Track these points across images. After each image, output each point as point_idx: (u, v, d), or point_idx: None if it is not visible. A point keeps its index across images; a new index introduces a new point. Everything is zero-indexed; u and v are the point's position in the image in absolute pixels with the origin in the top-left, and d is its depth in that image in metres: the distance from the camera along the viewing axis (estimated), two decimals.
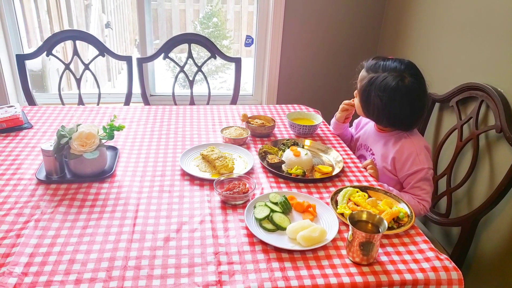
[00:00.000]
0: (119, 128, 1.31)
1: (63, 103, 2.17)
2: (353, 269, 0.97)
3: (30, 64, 3.08)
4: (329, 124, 1.79)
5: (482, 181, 1.63)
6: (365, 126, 1.64)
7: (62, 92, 2.21)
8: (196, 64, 2.17)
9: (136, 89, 2.22)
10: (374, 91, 1.37)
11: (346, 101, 1.63)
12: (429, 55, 2.01)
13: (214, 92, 3.46)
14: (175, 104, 2.20)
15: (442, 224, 1.70)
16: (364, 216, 1.01)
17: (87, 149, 1.25)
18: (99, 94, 2.19)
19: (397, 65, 1.38)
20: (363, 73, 1.46)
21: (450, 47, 1.85)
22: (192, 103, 2.24)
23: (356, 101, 1.51)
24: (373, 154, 1.52)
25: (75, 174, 1.31)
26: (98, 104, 2.19)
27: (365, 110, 1.46)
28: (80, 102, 2.19)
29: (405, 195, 1.42)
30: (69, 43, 2.21)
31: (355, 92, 1.51)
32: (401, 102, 1.36)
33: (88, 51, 4.01)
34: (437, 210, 1.77)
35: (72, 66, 2.19)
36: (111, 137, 1.32)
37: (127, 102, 2.19)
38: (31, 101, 2.14)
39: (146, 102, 2.23)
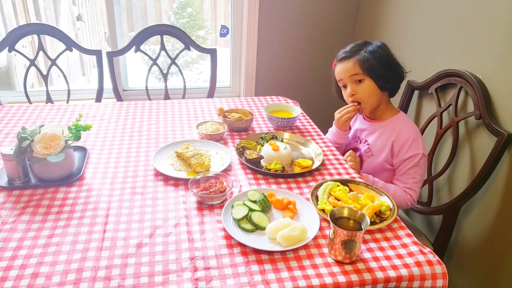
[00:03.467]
0: (86, 128, 1.23)
1: (30, 102, 2.06)
2: (335, 268, 0.93)
3: None
4: (308, 115, 1.74)
5: (463, 168, 1.62)
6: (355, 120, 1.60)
7: (32, 89, 2.10)
8: (169, 57, 2.09)
9: (108, 84, 2.13)
10: (374, 56, 1.38)
11: (346, 110, 1.46)
12: (407, 42, 1.98)
13: (190, 84, 3.37)
14: (149, 99, 2.11)
15: (423, 213, 1.69)
16: (346, 213, 0.97)
17: (51, 151, 1.17)
18: (69, 91, 2.09)
19: (357, 43, 1.47)
20: (347, 65, 1.41)
21: (428, 34, 1.82)
22: (166, 97, 2.16)
23: (363, 88, 1.41)
24: (369, 145, 1.49)
25: (40, 178, 1.23)
26: (67, 102, 2.09)
27: (381, 80, 1.39)
28: (49, 99, 2.09)
29: (391, 187, 1.40)
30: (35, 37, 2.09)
31: (349, 92, 1.43)
32: (390, 50, 1.45)
33: (59, 45, 3.85)
34: (419, 199, 1.75)
35: (42, 62, 2.07)
36: (77, 137, 1.24)
37: (99, 98, 2.09)
38: None
39: (119, 97, 2.14)
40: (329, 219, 0.93)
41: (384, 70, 1.38)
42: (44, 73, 2.07)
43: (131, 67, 2.68)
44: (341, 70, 1.43)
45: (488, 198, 1.50)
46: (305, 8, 2.38)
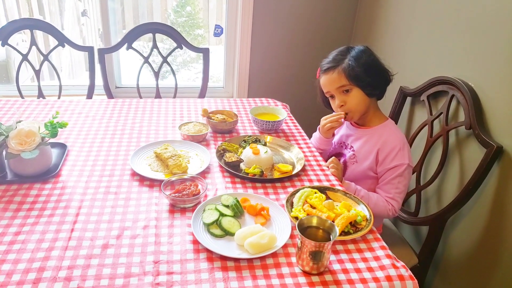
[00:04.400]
0: (62, 125, 1.22)
1: (22, 96, 2.06)
2: (301, 279, 0.90)
3: None
4: (300, 118, 1.72)
5: (452, 179, 1.57)
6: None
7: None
8: (161, 55, 2.07)
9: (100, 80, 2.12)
10: (359, 63, 1.33)
11: (330, 119, 1.43)
12: (402, 47, 1.95)
13: (188, 83, 3.36)
14: (140, 97, 2.10)
15: (410, 223, 1.65)
16: (315, 222, 0.94)
17: (26, 148, 1.15)
18: (60, 86, 2.08)
19: (339, 50, 1.42)
20: (332, 76, 1.36)
21: (422, 40, 1.78)
22: (158, 95, 2.14)
23: (351, 97, 1.37)
24: (354, 151, 1.46)
25: (16, 174, 1.21)
26: (59, 97, 2.08)
27: (369, 87, 1.35)
28: (40, 94, 2.08)
29: (373, 195, 1.36)
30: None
31: (337, 104, 1.39)
32: (374, 54, 1.40)
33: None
34: (406, 209, 1.71)
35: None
36: (54, 134, 1.22)
37: (90, 95, 2.08)
38: None
39: (109, 94, 2.13)
40: (297, 228, 0.91)
41: (371, 78, 1.34)
42: (37, 68, 2.07)
43: (129, 64, 2.67)
44: (326, 81, 1.39)
45: (475, 211, 1.46)
46: (301, 10, 2.35)
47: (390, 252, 1.00)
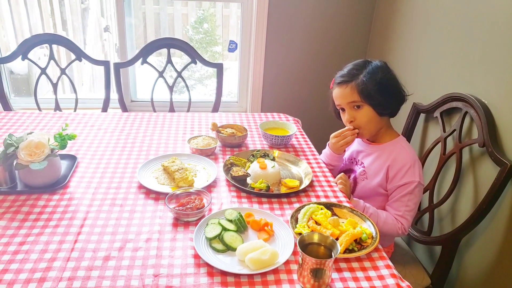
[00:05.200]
0: (71, 137, 1.24)
1: (39, 108, 2.12)
2: None
3: (15, 68, 3.05)
4: (306, 133, 1.70)
5: (466, 198, 1.52)
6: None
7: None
8: (175, 70, 2.10)
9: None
10: (373, 81, 1.30)
11: (343, 134, 1.40)
12: (414, 64, 1.92)
13: (204, 98, 3.40)
14: (154, 110, 2.13)
15: (422, 243, 1.59)
16: (316, 238, 0.92)
17: (35, 159, 1.17)
18: (76, 100, 2.13)
19: (356, 63, 1.39)
20: (345, 90, 1.34)
21: (435, 56, 1.75)
22: (171, 109, 2.16)
23: (361, 114, 1.35)
24: (364, 167, 1.43)
25: (26, 184, 1.24)
26: (75, 110, 2.13)
27: (380, 107, 1.33)
28: (57, 107, 2.14)
29: (382, 213, 1.33)
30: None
31: (347, 118, 1.38)
32: (392, 72, 1.37)
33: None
34: (419, 227, 1.66)
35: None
36: (63, 146, 1.24)
37: (105, 108, 2.12)
38: (6, 106, 2.09)
39: (124, 108, 2.16)
40: (297, 244, 0.89)
41: (384, 97, 1.31)
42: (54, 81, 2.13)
43: (146, 79, 2.72)
44: (339, 95, 1.38)
45: (490, 231, 1.40)
46: (314, 26, 2.35)
47: (395, 271, 0.97)
